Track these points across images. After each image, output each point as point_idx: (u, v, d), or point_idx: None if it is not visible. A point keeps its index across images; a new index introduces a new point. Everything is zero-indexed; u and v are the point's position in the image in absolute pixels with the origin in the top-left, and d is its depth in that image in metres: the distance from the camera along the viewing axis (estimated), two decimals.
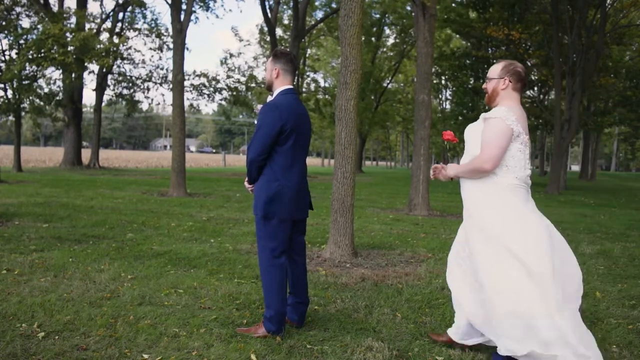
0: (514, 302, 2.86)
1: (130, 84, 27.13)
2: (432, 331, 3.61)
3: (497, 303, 2.91)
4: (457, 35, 30.36)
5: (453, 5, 26.46)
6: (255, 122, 3.53)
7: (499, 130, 2.98)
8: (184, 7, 14.30)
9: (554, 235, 3.02)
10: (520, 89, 3.15)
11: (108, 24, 26.71)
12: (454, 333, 3.34)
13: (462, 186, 3.21)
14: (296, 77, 31.73)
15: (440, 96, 41.51)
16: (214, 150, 58.35)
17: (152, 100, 29.42)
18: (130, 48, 25.02)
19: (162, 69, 27.24)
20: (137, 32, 26.73)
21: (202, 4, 24.63)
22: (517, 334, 2.85)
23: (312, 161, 73.98)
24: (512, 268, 2.90)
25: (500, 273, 2.93)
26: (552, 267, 2.87)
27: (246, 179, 3.54)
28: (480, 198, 3.08)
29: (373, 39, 33.97)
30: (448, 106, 41.34)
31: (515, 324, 2.86)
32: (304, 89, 36.23)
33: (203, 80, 26.07)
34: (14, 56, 19.63)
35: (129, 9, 26.26)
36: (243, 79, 28.21)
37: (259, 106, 3.53)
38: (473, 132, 3.15)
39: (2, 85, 19.53)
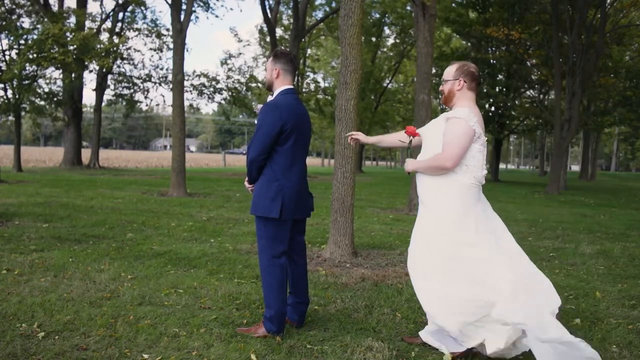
0: (469, 291, 3.03)
1: (130, 84, 27.12)
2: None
3: (454, 290, 3.08)
4: (457, 36, 30.36)
5: (453, 5, 26.44)
6: (256, 122, 3.53)
7: (462, 131, 3.08)
8: (184, 7, 14.30)
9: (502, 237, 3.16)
10: (475, 88, 3.26)
11: (108, 24, 26.72)
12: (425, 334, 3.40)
13: (419, 182, 3.29)
14: (296, 77, 31.73)
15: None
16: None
17: (150, 101, 29.46)
18: (130, 48, 25.02)
19: (161, 69, 27.24)
20: (137, 32, 26.73)
21: (202, 4, 24.62)
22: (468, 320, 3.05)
23: (312, 161, 73.91)
24: (466, 260, 3.05)
25: (456, 265, 3.08)
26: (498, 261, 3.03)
27: (246, 178, 3.54)
28: (438, 194, 3.17)
29: (373, 38, 33.96)
30: None
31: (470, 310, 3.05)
32: (304, 89, 36.23)
33: (203, 80, 26.06)
34: (14, 56, 19.62)
35: (129, 8, 26.25)
36: (243, 80, 28.21)
37: (259, 106, 3.54)
38: (433, 130, 3.24)
39: (2, 85, 19.52)
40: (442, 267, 3.11)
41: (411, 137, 3.48)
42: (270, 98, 3.54)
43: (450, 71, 3.27)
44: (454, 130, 3.09)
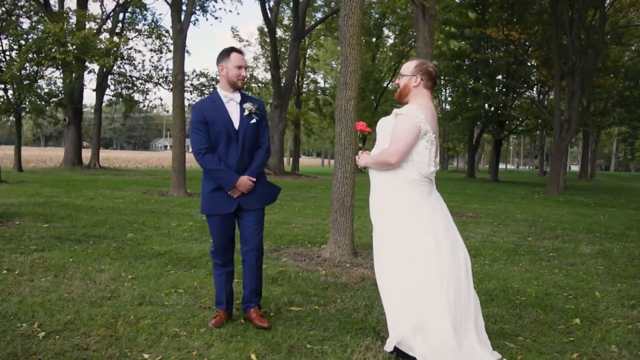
0: (393, 290, 3.12)
1: (130, 84, 27.12)
2: None
3: (381, 286, 3.20)
4: (452, 39, 30.37)
5: (453, 4, 26.47)
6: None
7: (407, 127, 3.10)
8: (184, 7, 14.31)
9: (446, 240, 3.15)
10: (431, 87, 3.28)
11: (109, 24, 26.72)
12: None
13: (370, 176, 3.35)
14: (296, 77, 31.68)
15: (440, 96, 41.53)
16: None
17: (150, 102, 29.50)
18: (131, 49, 25.07)
19: (161, 69, 27.23)
20: (137, 33, 26.74)
21: (200, 8, 24.61)
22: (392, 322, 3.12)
23: (312, 161, 73.93)
24: (394, 261, 3.12)
25: (387, 262, 3.16)
26: (434, 272, 3.04)
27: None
28: (384, 189, 3.24)
29: (373, 39, 33.98)
30: (448, 106, 41.36)
31: (391, 312, 3.13)
32: (304, 89, 36.21)
33: (203, 80, 26.06)
34: (14, 56, 19.63)
35: (130, 9, 26.26)
36: None
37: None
38: (384, 126, 3.27)
39: (2, 86, 19.52)
40: (393, 267, 3.14)
41: (360, 134, 3.51)
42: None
43: (409, 67, 3.28)
44: (399, 127, 3.12)
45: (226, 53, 3.57)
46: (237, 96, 3.59)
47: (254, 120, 3.58)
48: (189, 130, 3.57)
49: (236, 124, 3.54)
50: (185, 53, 13.99)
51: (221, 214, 3.63)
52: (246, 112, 3.56)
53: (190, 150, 4.03)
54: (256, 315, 3.66)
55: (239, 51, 3.60)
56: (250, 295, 3.74)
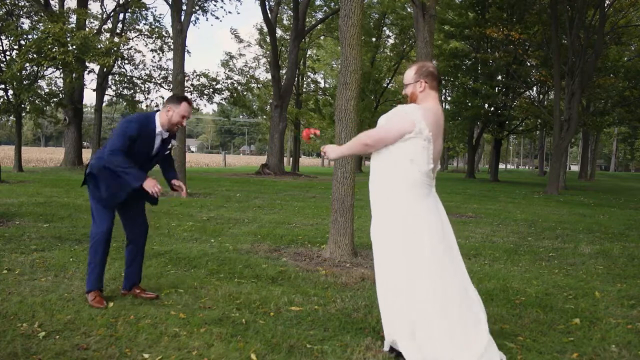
0: (393, 296, 3.08)
1: (131, 85, 27.11)
2: None
3: (381, 292, 3.18)
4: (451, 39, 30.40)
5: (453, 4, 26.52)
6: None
7: (395, 118, 3.10)
8: (184, 7, 14.31)
9: (444, 237, 3.14)
10: (437, 86, 3.27)
11: (109, 24, 26.72)
12: None
13: (370, 178, 3.31)
14: (296, 78, 31.69)
15: (440, 96, 41.58)
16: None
17: (152, 101, 29.45)
18: (131, 48, 25.05)
19: (163, 69, 27.23)
20: (137, 33, 26.75)
21: (199, 9, 24.62)
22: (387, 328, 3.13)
23: (312, 161, 73.98)
24: (397, 265, 3.07)
25: (388, 268, 3.12)
26: (434, 269, 3.02)
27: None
28: (381, 189, 3.21)
29: (373, 39, 34.01)
30: (448, 106, 41.39)
31: (390, 317, 3.11)
32: (304, 89, 36.22)
33: (203, 80, 26.05)
34: (14, 56, 19.62)
35: (130, 10, 26.27)
36: (243, 81, 28.24)
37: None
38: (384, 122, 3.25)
39: (2, 86, 19.51)
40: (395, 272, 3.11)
41: (313, 137, 3.54)
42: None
43: (409, 74, 3.25)
44: (390, 116, 3.13)
45: (178, 100, 4.00)
46: (166, 134, 4.06)
47: (167, 152, 4.16)
48: (118, 132, 3.89)
49: (154, 152, 4.06)
50: (186, 53, 13.99)
51: (121, 201, 4.00)
52: (170, 146, 4.13)
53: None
54: (141, 291, 4.18)
55: (190, 102, 4.04)
56: (139, 272, 4.23)
